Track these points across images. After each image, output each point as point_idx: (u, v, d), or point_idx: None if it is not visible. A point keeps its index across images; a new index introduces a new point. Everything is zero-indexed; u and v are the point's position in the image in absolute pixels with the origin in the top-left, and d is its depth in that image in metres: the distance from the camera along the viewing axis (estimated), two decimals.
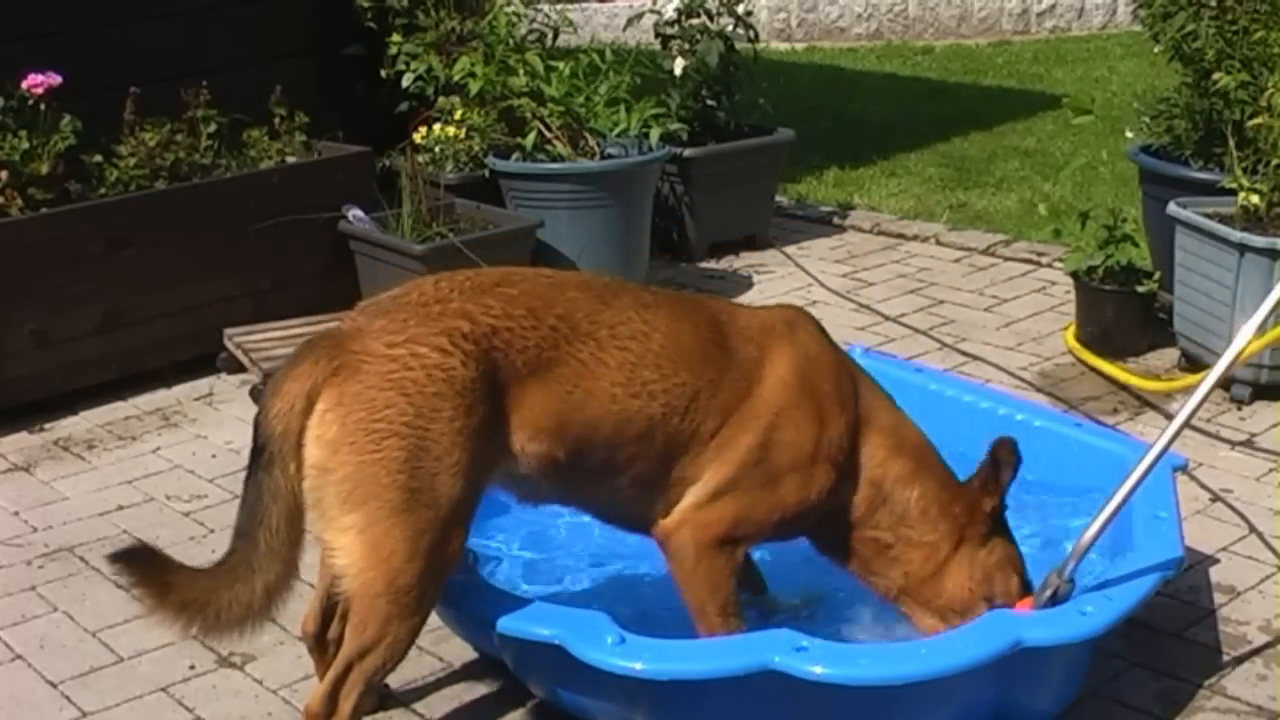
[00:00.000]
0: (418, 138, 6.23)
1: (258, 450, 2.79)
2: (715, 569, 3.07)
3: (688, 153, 6.48)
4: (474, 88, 6.15)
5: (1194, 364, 4.94)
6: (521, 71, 6.15)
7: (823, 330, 3.28)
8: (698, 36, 6.62)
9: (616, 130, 6.25)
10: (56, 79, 5.15)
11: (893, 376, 3.76)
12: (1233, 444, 4.52)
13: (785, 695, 2.81)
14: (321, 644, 3.15)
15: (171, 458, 4.74)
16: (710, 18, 6.64)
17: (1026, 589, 3.20)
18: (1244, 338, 3.11)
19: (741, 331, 3.15)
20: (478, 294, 2.93)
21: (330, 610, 3.12)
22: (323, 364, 2.79)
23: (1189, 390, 3.14)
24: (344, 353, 2.80)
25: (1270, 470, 4.34)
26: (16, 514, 4.38)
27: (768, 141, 6.77)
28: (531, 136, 6.00)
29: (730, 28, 6.67)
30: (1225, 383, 4.71)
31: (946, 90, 10.23)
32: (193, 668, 3.49)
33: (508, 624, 2.99)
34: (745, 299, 5.95)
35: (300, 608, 3.17)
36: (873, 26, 12.16)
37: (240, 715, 3.34)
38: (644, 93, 6.45)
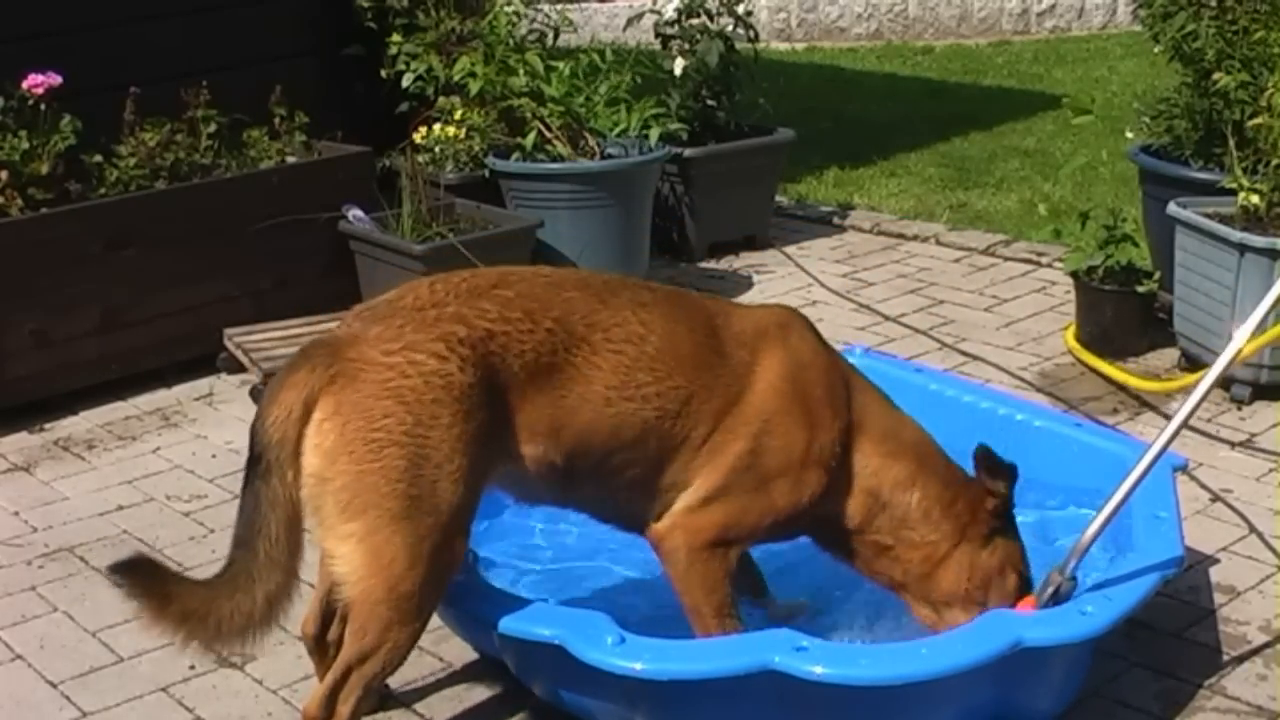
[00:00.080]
0: (418, 138, 6.23)
1: (255, 459, 2.77)
2: (709, 572, 3.07)
3: (688, 153, 6.48)
4: (474, 88, 6.15)
5: (1194, 364, 4.93)
6: (521, 71, 6.15)
7: (816, 333, 3.27)
8: (698, 36, 6.62)
9: (616, 130, 6.25)
10: (56, 79, 5.15)
11: (893, 376, 3.77)
12: (1233, 444, 4.52)
13: (785, 695, 2.81)
14: (321, 646, 3.16)
15: (171, 458, 4.74)
16: (710, 18, 6.64)
17: (1028, 586, 3.21)
18: (1243, 336, 3.11)
19: (735, 335, 3.13)
20: (473, 297, 2.92)
21: (329, 612, 3.11)
22: (319, 372, 2.77)
23: (1188, 390, 3.14)
24: (340, 360, 2.79)
25: (1270, 470, 4.34)
26: (16, 514, 4.38)
27: (768, 141, 6.77)
28: (531, 136, 6.00)
29: (730, 28, 6.67)
30: (1225, 383, 4.73)
31: (946, 90, 10.24)
32: (193, 668, 3.49)
33: (508, 624, 2.99)
34: (745, 299, 5.95)
35: (301, 608, 3.17)
36: (873, 26, 12.16)
37: (240, 715, 3.34)
38: (644, 93, 6.45)
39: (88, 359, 5.17)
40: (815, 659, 2.77)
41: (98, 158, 5.33)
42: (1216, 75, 5.09)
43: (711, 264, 6.61)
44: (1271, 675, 3.35)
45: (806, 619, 3.38)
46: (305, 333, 5.18)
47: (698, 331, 3.10)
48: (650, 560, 3.21)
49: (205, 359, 5.38)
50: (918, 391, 3.86)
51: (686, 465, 3.06)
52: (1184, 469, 3.71)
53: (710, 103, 6.73)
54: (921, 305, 5.91)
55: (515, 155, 6.05)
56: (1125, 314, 5.19)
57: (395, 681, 3.32)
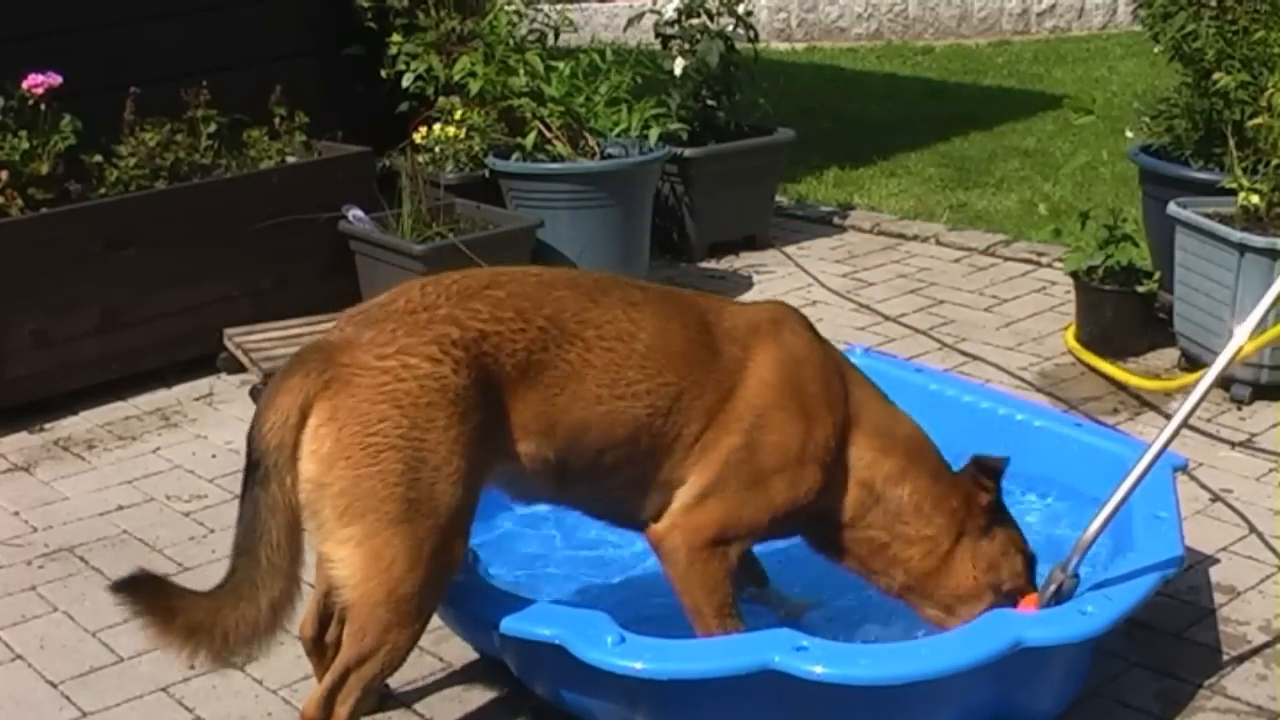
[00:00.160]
0: (418, 138, 6.23)
1: (253, 465, 2.77)
2: (709, 571, 3.07)
3: (688, 153, 6.48)
4: (474, 88, 6.15)
5: (1194, 364, 4.94)
6: (521, 71, 6.15)
7: (811, 328, 3.26)
8: (698, 36, 6.62)
9: (616, 130, 6.25)
10: (56, 79, 5.15)
11: (893, 376, 3.77)
12: (1233, 444, 4.52)
13: (785, 695, 2.81)
14: (319, 647, 3.15)
15: (171, 458, 4.74)
16: (710, 18, 6.64)
17: (1033, 562, 3.21)
18: (1242, 334, 3.11)
19: (728, 332, 3.13)
20: (465, 299, 2.92)
21: (327, 614, 3.11)
22: (314, 377, 2.77)
23: (1188, 390, 3.15)
24: (334, 366, 2.78)
25: (1270, 470, 4.34)
26: (16, 514, 4.38)
27: (768, 141, 6.77)
28: (531, 136, 6.00)
29: (730, 28, 6.67)
30: (1225, 383, 4.73)
31: (946, 90, 10.24)
32: (192, 668, 3.47)
33: (509, 624, 2.99)
34: (745, 299, 5.95)
35: (301, 609, 3.17)
36: (873, 26, 12.16)
37: (240, 715, 3.34)
38: (644, 93, 6.45)
39: (88, 359, 5.17)
40: (815, 659, 2.77)
41: (98, 158, 5.33)
42: (1216, 75, 5.09)
43: (711, 264, 6.61)
44: (1271, 675, 3.35)
45: (809, 613, 3.38)
46: (305, 333, 5.18)
47: (689, 328, 3.10)
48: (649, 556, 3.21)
49: (205, 359, 5.38)
50: (918, 391, 3.86)
51: (680, 462, 3.06)
52: (1184, 469, 3.72)
53: (710, 103, 6.73)
54: (921, 305, 5.91)
55: (515, 155, 6.05)
56: (1125, 314, 5.19)
57: (395, 681, 3.32)
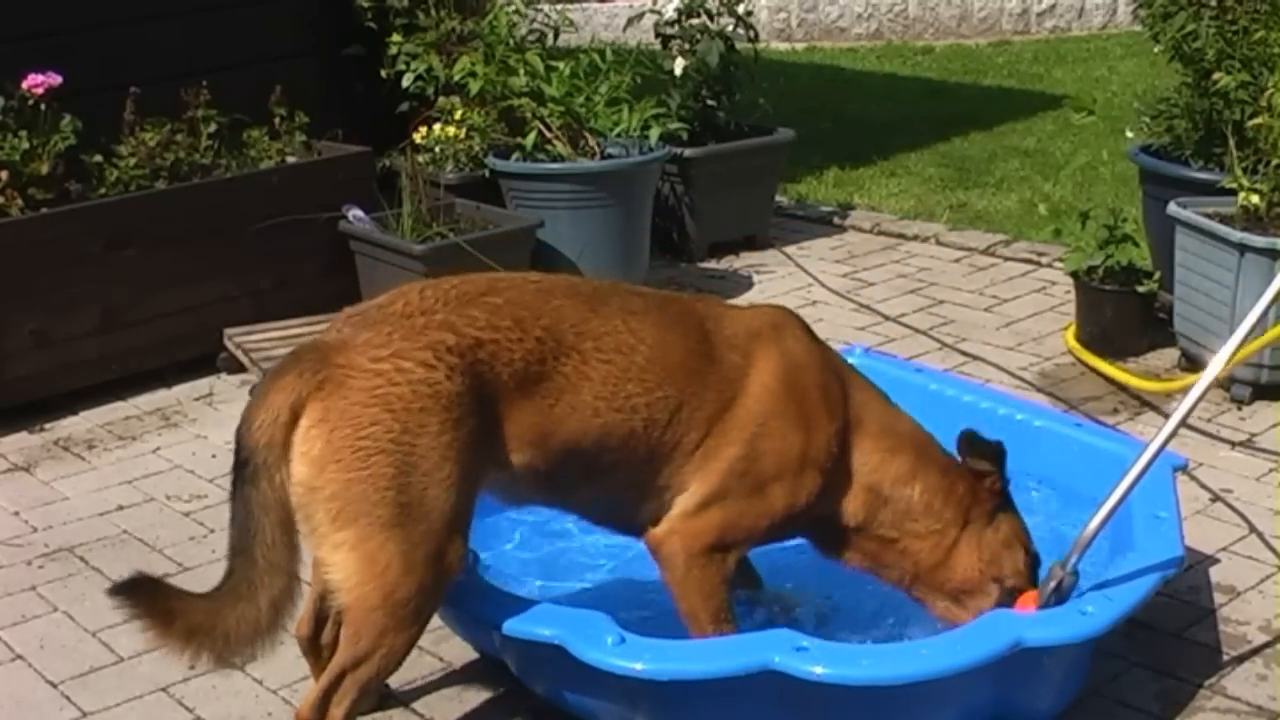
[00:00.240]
0: (418, 138, 6.23)
1: (242, 463, 2.77)
2: (706, 577, 3.07)
3: (688, 153, 6.48)
4: (474, 88, 6.15)
5: (1194, 364, 4.94)
6: (522, 71, 6.15)
7: (809, 331, 3.26)
8: (698, 36, 6.62)
9: (616, 130, 6.25)
10: (56, 79, 5.15)
11: (893, 376, 3.77)
12: (1233, 444, 4.52)
13: (785, 695, 2.81)
14: (315, 647, 3.15)
15: (171, 458, 4.74)
16: (710, 18, 6.64)
17: (1035, 559, 3.21)
18: (1242, 331, 3.12)
19: (727, 339, 3.12)
20: (463, 305, 2.91)
21: (323, 614, 3.11)
22: (307, 377, 2.76)
23: (1188, 391, 3.15)
24: (328, 367, 2.77)
25: (1270, 470, 4.34)
26: (16, 514, 4.38)
27: (768, 141, 6.77)
28: (531, 136, 6.00)
29: (730, 28, 6.67)
30: (1225, 383, 4.73)
31: (946, 90, 10.24)
32: (193, 668, 3.47)
33: (509, 625, 2.99)
34: (745, 299, 5.95)
35: (302, 606, 3.18)
36: (873, 26, 12.16)
37: (240, 715, 3.35)
38: (644, 93, 6.45)
39: (88, 359, 5.17)
40: (815, 659, 2.77)
41: (98, 158, 5.33)
42: (1216, 75, 5.09)
43: (711, 264, 6.61)
44: (1271, 675, 3.35)
45: (804, 617, 3.38)
46: (305, 333, 5.18)
47: (689, 338, 3.09)
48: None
49: (205, 359, 5.39)
50: (918, 391, 3.86)
51: (679, 470, 3.05)
52: (1184, 469, 3.72)
53: (710, 103, 6.73)
54: (921, 305, 5.91)
55: (515, 155, 6.05)
56: (1125, 314, 5.19)
57: (395, 681, 3.32)
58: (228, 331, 5.36)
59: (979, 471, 3.16)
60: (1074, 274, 5.28)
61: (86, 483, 4.58)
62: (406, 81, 6.32)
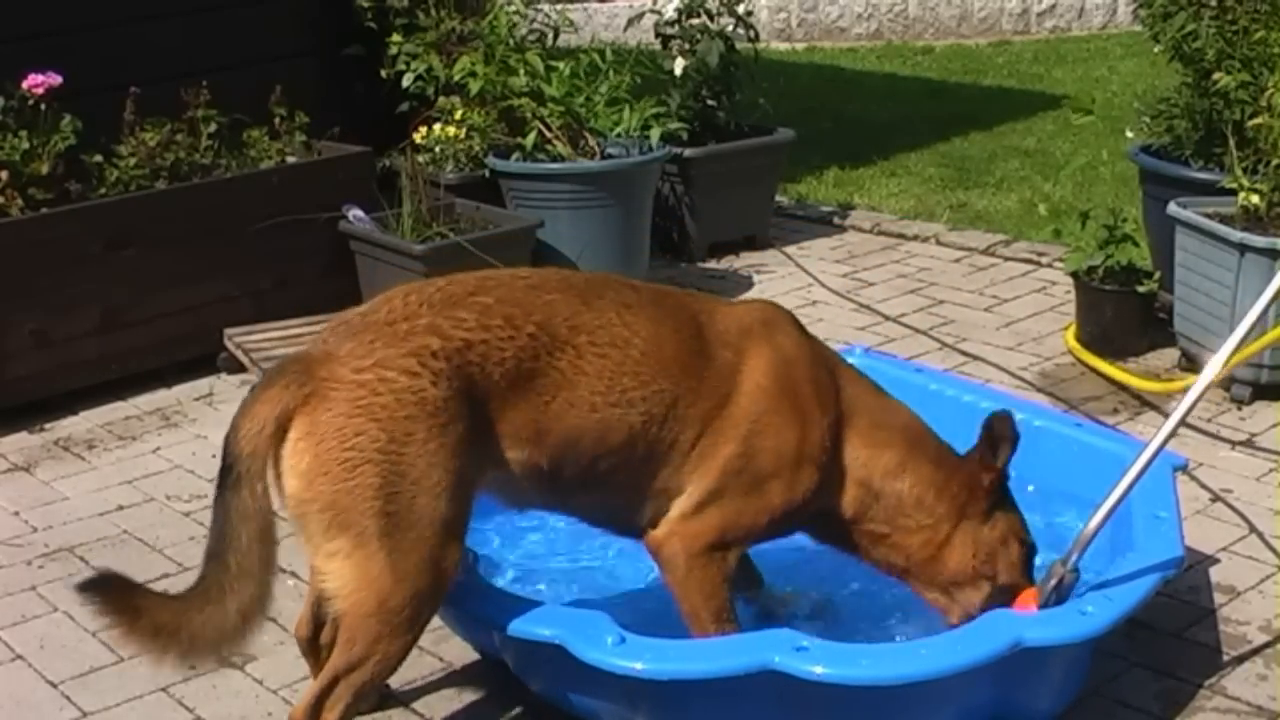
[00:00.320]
0: (418, 138, 6.23)
1: (225, 469, 2.76)
2: (707, 577, 3.06)
3: (688, 153, 6.48)
4: (474, 88, 6.15)
5: (1194, 364, 4.93)
6: (522, 71, 6.15)
7: (800, 327, 3.25)
8: (698, 36, 6.62)
9: (616, 130, 6.25)
10: (56, 79, 5.15)
11: (893, 376, 3.76)
12: (1233, 444, 4.52)
13: (786, 695, 2.81)
14: (314, 647, 3.15)
15: (171, 458, 4.74)
16: (710, 18, 6.64)
17: (1032, 553, 3.21)
18: (1242, 331, 3.12)
19: (720, 335, 3.11)
20: (449, 307, 2.89)
21: (322, 617, 3.10)
22: (293, 390, 2.76)
23: (1188, 391, 3.15)
24: (313, 379, 2.77)
25: (1270, 470, 4.34)
26: (16, 514, 4.38)
27: (768, 141, 6.77)
28: (531, 136, 6.00)
29: (730, 28, 6.67)
30: (1225, 383, 4.73)
31: (946, 90, 10.24)
32: (193, 667, 3.48)
33: (509, 625, 2.99)
34: (745, 299, 5.95)
35: (300, 608, 3.18)
36: (873, 26, 12.16)
37: (240, 715, 3.34)
38: (644, 93, 6.45)
39: (88, 359, 5.17)
40: (815, 659, 2.77)
41: (98, 158, 5.33)
42: (1216, 75, 5.09)
43: (711, 264, 6.61)
44: (1271, 675, 3.35)
45: (806, 618, 3.38)
46: (305, 333, 5.18)
47: (683, 333, 3.08)
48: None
49: (205, 359, 5.39)
50: (918, 391, 3.85)
51: (677, 470, 3.05)
52: (1184, 469, 3.72)
53: (710, 103, 6.73)
54: (921, 305, 5.91)
55: (515, 155, 6.05)
56: (1125, 314, 5.19)
57: (395, 681, 3.32)
58: (228, 331, 5.36)
59: (979, 465, 3.15)
60: (1074, 274, 5.28)
61: (86, 483, 4.57)
62: (406, 81, 6.31)
